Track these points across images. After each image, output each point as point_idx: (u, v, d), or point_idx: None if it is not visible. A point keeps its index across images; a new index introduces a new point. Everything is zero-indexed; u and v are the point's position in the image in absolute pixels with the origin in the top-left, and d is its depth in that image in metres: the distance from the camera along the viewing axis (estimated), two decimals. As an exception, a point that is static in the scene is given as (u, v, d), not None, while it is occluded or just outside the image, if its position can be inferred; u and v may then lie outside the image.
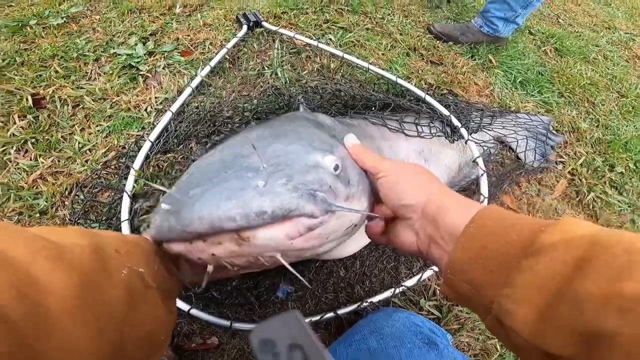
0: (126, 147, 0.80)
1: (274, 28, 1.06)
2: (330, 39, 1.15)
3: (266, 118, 0.83)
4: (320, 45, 1.00)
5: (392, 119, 0.80)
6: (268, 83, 0.97)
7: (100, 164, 0.77)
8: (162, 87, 0.92)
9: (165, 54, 1.00)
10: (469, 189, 0.86)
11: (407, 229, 0.38)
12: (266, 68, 1.00)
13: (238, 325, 0.57)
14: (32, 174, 0.74)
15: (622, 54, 1.58)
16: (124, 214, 0.64)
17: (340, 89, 0.88)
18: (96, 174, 0.74)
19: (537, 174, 0.99)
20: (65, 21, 1.05)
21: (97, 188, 0.73)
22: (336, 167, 0.38)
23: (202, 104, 0.89)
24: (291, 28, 1.15)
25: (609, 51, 1.54)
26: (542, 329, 0.25)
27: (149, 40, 1.03)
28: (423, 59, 1.19)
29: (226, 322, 0.57)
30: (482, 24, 1.25)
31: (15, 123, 0.80)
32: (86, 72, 0.93)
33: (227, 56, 0.99)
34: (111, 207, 0.69)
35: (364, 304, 0.63)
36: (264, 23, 1.08)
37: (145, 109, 0.87)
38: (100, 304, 0.24)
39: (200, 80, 0.91)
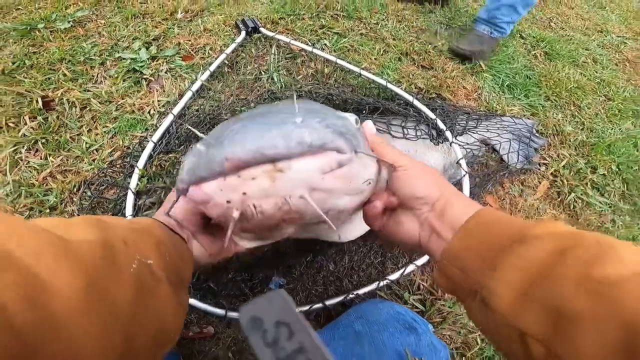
0: (131, 147, 0.84)
1: (271, 34, 1.10)
2: (325, 44, 1.19)
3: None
4: (315, 50, 1.04)
5: (381, 122, 0.85)
6: (265, 87, 1.01)
7: (107, 163, 0.82)
8: (164, 91, 0.97)
9: (168, 59, 1.04)
10: (454, 189, 0.90)
11: (412, 219, 0.41)
12: (263, 73, 1.05)
13: (233, 315, 0.61)
14: (42, 172, 0.79)
15: (612, 57, 1.60)
16: (129, 210, 0.69)
17: (332, 93, 0.92)
18: (102, 173, 0.79)
19: (520, 175, 1.03)
20: (72, 25, 1.09)
21: (103, 185, 0.78)
22: (357, 123, 0.44)
23: (202, 107, 0.93)
24: (288, 33, 1.19)
25: (599, 55, 1.56)
26: (520, 306, 0.27)
27: (152, 45, 1.07)
28: (414, 63, 1.23)
29: (221, 311, 0.61)
30: (491, 30, 1.28)
31: (26, 124, 0.85)
32: (93, 76, 0.98)
33: (226, 61, 1.03)
34: (116, 204, 0.74)
35: (351, 295, 0.68)
36: (261, 29, 1.12)
37: (149, 112, 0.92)
38: (107, 305, 0.24)
39: (200, 84, 0.95)
